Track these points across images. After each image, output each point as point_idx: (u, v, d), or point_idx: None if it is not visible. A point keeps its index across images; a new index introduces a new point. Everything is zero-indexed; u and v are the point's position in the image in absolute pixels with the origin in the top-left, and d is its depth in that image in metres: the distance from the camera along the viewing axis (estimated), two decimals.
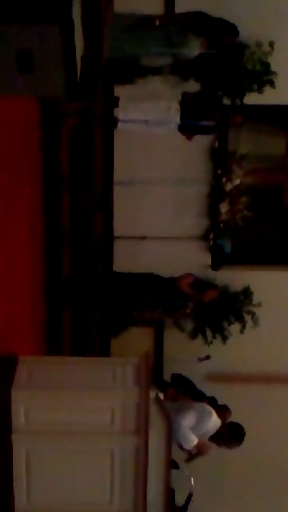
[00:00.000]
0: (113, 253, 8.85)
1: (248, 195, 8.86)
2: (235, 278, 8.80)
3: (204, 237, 8.92)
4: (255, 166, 8.96)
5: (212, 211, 8.87)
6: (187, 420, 6.25)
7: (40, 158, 7.54)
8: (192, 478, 6.25)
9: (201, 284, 8.48)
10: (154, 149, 8.63)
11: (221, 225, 8.85)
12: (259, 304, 8.70)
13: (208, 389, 8.34)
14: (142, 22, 7.72)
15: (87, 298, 8.43)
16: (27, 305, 7.16)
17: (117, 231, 8.83)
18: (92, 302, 8.51)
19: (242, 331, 8.71)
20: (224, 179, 8.73)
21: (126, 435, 5.33)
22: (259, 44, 8.30)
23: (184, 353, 8.65)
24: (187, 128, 8.04)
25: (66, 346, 8.30)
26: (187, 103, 7.92)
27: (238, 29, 7.95)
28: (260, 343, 8.79)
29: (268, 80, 8.40)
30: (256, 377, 8.88)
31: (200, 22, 7.83)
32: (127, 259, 8.75)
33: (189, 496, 6.19)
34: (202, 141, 8.39)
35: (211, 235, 8.90)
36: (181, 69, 8.31)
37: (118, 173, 8.71)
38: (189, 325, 8.83)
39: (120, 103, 7.81)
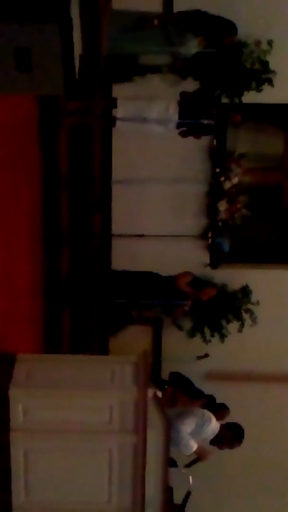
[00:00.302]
0: (111, 251, 8.85)
1: (247, 194, 8.88)
2: (233, 276, 8.81)
3: (203, 235, 8.92)
4: (254, 165, 8.96)
5: (210, 209, 8.87)
6: (187, 426, 6.18)
7: (38, 156, 7.54)
8: (190, 476, 6.25)
9: (199, 283, 8.47)
10: (153, 148, 8.62)
11: (220, 224, 8.85)
12: (258, 303, 8.71)
13: (207, 388, 8.35)
14: (141, 21, 7.72)
15: (85, 297, 8.43)
16: (26, 303, 7.15)
17: (115, 230, 8.83)
18: (91, 301, 8.51)
19: (240, 329, 8.71)
20: (222, 178, 8.74)
21: (124, 434, 5.32)
22: (257, 43, 8.32)
23: (182, 351, 8.64)
24: (187, 128, 8.02)
25: (64, 344, 8.29)
26: (185, 102, 7.91)
27: (237, 27, 7.96)
28: (258, 341, 8.80)
29: (266, 79, 8.41)
30: (254, 375, 8.88)
31: (199, 21, 7.84)
32: (125, 257, 8.75)
33: (187, 494, 6.18)
34: (200, 140, 8.37)
35: (210, 234, 8.90)
36: (179, 68, 8.31)
37: (117, 172, 8.71)
38: (187, 324, 8.84)
39: (118, 101, 7.80)
